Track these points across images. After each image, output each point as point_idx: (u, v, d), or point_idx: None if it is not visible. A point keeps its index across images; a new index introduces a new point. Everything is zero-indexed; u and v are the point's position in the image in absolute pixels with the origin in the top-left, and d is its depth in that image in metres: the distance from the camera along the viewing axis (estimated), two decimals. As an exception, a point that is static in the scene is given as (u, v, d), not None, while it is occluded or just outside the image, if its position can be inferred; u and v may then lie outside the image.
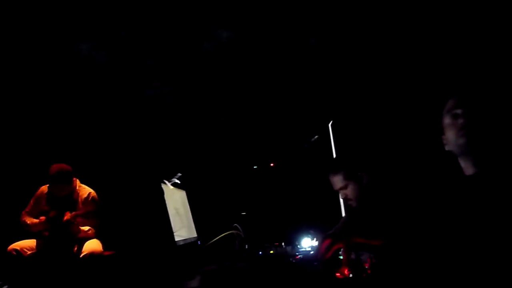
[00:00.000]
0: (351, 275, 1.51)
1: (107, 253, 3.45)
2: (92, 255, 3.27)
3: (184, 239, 2.06)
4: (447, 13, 3.16)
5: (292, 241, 2.46)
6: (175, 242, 1.83)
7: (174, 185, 2.09)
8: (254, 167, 4.59)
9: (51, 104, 4.62)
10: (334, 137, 4.48)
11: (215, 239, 2.09)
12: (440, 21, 3.23)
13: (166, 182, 1.95)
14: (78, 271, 3.19)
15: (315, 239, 2.42)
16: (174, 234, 1.85)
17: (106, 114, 4.67)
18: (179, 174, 2.12)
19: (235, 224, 2.21)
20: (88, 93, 4.79)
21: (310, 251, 2.24)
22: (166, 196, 1.88)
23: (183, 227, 2.10)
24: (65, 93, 4.72)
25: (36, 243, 3.34)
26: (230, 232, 2.14)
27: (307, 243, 2.46)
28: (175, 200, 2.12)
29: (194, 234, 2.33)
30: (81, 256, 3.25)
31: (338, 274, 1.55)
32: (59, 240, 3.38)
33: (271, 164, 4.59)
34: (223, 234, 2.11)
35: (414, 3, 3.39)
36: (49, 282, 3.18)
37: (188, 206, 2.43)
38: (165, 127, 4.70)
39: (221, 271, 1.74)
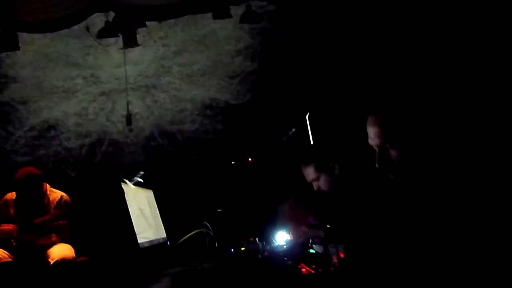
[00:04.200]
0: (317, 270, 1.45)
1: (79, 259, 3.33)
2: (63, 261, 3.14)
3: (151, 241, 1.97)
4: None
5: (266, 236, 2.40)
6: (138, 244, 1.74)
7: (137, 184, 2.00)
8: (232, 162, 4.51)
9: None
10: (312, 129, 4.43)
11: (183, 239, 2.01)
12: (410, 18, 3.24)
13: (127, 181, 1.85)
14: (49, 279, 3.06)
15: (290, 233, 2.37)
16: (138, 236, 1.77)
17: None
18: (142, 173, 2.03)
19: (205, 222, 2.13)
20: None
21: (284, 245, 2.19)
22: (127, 197, 1.79)
23: (149, 228, 2.01)
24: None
25: (5, 253, 3.20)
26: (199, 230, 2.07)
27: (282, 237, 2.40)
28: (140, 200, 2.03)
29: (162, 235, 2.25)
30: (51, 263, 3.12)
31: (303, 270, 1.49)
32: (28, 248, 3.25)
33: (249, 159, 4.52)
34: (190, 234, 2.03)
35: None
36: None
37: (156, 206, 2.34)
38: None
39: (187, 273, 1.67)
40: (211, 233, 2.10)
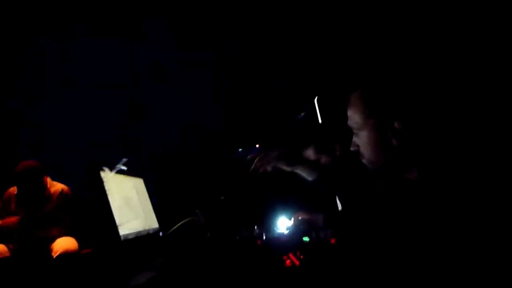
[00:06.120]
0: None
1: (84, 251, 3.29)
2: (66, 254, 3.10)
3: (138, 232, 1.86)
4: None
5: (266, 222, 2.27)
6: (120, 236, 1.64)
7: (120, 172, 1.88)
8: (239, 149, 4.37)
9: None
10: (321, 113, 4.24)
11: (173, 229, 1.90)
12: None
13: (106, 169, 1.74)
14: (52, 272, 3.02)
15: (292, 219, 2.24)
16: (120, 227, 1.66)
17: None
18: (125, 160, 1.91)
19: (197, 211, 2.02)
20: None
21: (283, 232, 2.06)
22: (107, 186, 1.68)
23: (136, 218, 1.90)
24: None
25: (7, 247, 3.18)
26: (189, 219, 1.95)
27: (284, 223, 2.27)
28: (125, 189, 1.92)
29: (153, 225, 2.14)
30: (54, 256, 3.09)
31: (288, 262, 1.35)
32: (31, 241, 3.22)
33: (257, 146, 4.37)
34: (180, 223, 1.92)
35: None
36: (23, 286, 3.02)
37: (147, 195, 2.23)
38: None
39: (169, 264, 1.55)
40: (202, 221, 1.98)
